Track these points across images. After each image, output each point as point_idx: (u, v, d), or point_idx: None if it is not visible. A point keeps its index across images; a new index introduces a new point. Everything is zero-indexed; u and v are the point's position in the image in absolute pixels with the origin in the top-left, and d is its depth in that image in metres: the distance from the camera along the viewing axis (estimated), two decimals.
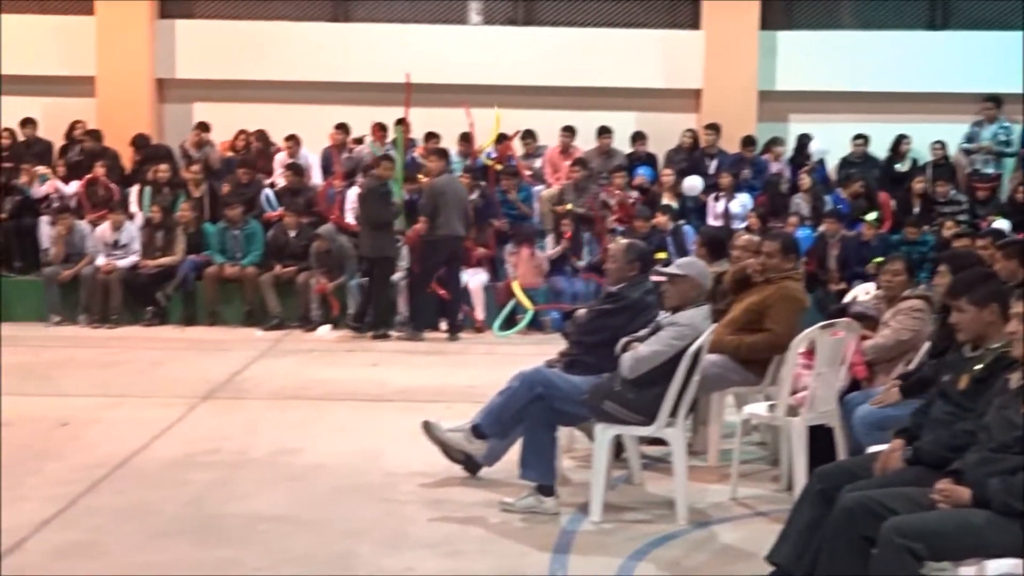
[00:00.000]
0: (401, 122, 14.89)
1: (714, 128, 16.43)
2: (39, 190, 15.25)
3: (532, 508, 6.76)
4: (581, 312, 7.78)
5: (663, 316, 6.90)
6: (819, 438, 7.01)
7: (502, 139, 15.68)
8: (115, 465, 7.70)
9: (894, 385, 6.76)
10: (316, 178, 16.00)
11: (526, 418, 6.97)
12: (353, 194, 14.51)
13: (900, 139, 16.43)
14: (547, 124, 16.52)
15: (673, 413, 6.67)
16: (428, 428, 7.54)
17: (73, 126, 16.44)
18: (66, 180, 15.47)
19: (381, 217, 13.55)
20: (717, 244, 8.89)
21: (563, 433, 7.41)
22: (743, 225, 14.48)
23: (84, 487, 7.16)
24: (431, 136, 15.90)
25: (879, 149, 16.62)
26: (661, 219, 14.58)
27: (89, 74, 16.90)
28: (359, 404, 9.95)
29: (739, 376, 7.83)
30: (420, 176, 14.41)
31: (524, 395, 7.00)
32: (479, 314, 14.27)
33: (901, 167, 16.37)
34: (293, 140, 16.05)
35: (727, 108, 16.75)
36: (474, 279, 14.32)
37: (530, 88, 17.07)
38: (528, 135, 16.37)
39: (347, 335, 13.70)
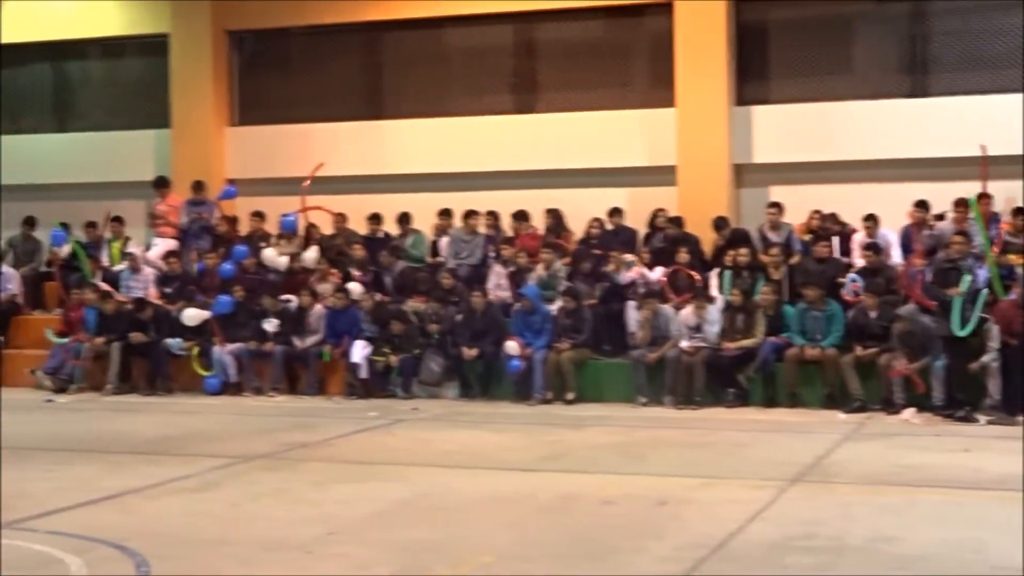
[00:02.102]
0: (981, 196, 14.36)
1: None
2: (626, 276, 15.97)
3: None
4: None
5: None
6: None
7: None
8: (714, 546, 7.83)
9: None
10: (896, 257, 15.69)
11: None
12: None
13: None
14: None
15: None
16: None
17: (656, 214, 17.13)
18: (650, 266, 16.12)
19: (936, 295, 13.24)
20: None
21: None
22: None
23: (687, 567, 7.33)
24: (1019, 211, 15.15)
25: None
26: None
27: (670, 163, 17.61)
28: (954, 492, 9.56)
29: None
30: (1011, 255, 13.80)
31: None
32: None
33: None
34: (871, 219, 15.83)
35: None
36: None
37: None
38: None
39: (933, 418, 13.28)
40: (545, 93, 19.05)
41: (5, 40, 21.09)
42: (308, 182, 17.92)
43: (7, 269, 18.80)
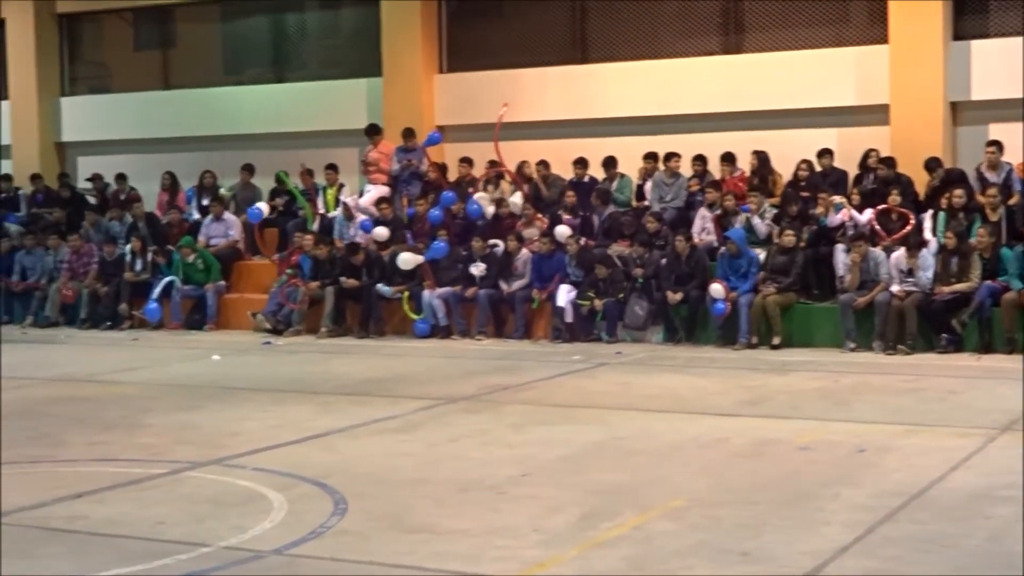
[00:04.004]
0: None
1: None
2: (834, 219, 15.59)
3: None
4: None
5: None
6: None
7: None
8: (912, 495, 7.65)
9: None
10: None
11: None
12: None
13: None
14: None
15: None
16: None
17: (867, 154, 16.65)
18: (860, 208, 15.69)
19: None
20: None
21: None
22: None
23: (882, 515, 7.18)
24: None
25: None
26: None
27: (882, 102, 17.08)
28: None
29: None
30: None
31: None
32: None
33: None
34: None
35: None
36: None
37: None
38: None
39: None
40: (752, 33, 18.67)
41: None
42: (498, 126, 17.95)
43: (229, 216, 19.51)
